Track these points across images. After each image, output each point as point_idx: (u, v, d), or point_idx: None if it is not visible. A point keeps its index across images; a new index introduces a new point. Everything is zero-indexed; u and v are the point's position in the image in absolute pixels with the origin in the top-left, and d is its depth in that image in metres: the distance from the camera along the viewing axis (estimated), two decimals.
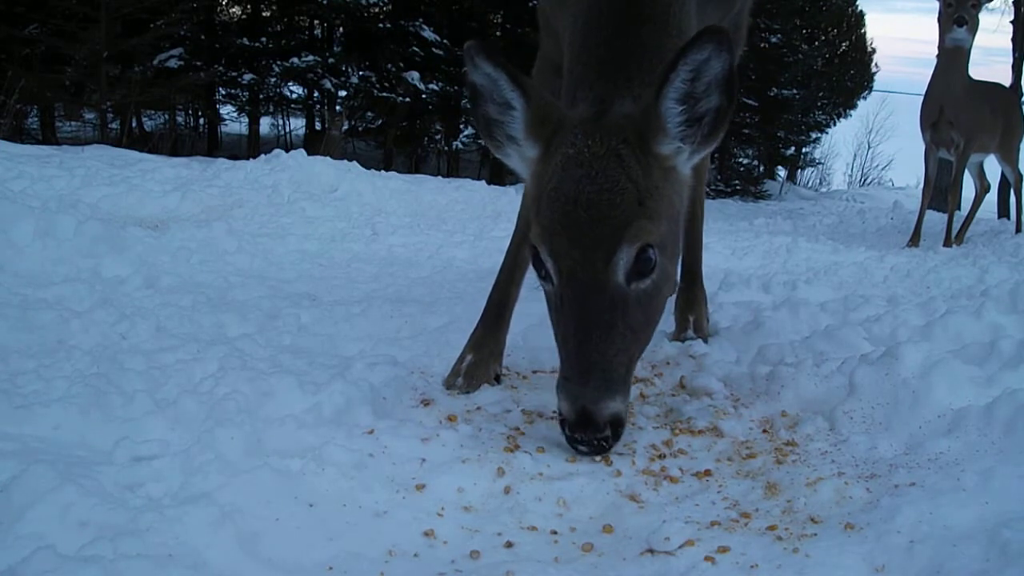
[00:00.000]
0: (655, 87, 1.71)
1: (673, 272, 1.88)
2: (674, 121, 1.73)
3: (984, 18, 6.89)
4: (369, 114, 15.42)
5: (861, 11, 20.29)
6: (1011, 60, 10.80)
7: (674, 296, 3.00)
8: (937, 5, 6.80)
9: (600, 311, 1.71)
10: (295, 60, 13.80)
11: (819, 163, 20.61)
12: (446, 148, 16.03)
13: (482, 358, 2.27)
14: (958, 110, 6.92)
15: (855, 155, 20.80)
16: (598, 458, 1.80)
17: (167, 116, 14.87)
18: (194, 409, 1.88)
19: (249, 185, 5.72)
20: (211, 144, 15.54)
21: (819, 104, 19.03)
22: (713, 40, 1.63)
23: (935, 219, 8.02)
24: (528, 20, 13.99)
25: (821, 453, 1.83)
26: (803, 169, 20.34)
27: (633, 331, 1.76)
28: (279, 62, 13.97)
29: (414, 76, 14.22)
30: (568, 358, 1.75)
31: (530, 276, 2.45)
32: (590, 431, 1.73)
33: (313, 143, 11.40)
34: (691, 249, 2.94)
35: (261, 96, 15.15)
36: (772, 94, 16.07)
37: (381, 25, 14.82)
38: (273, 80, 14.59)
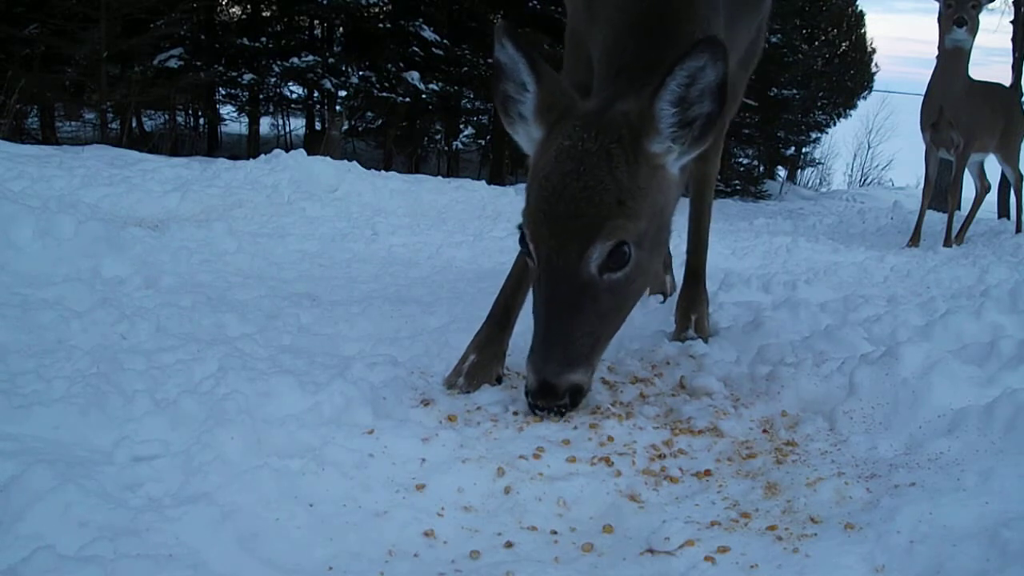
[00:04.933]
0: (652, 89, 1.82)
1: (652, 264, 2.00)
2: (667, 122, 1.85)
3: (984, 18, 6.88)
4: (369, 114, 15.43)
5: (861, 11, 20.34)
6: (1011, 60, 10.79)
7: (674, 296, 3.00)
8: (937, 5, 6.80)
9: (569, 296, 1.85)
10: (295, 60, 13.81)
11: (819, 163, 20.62)
12: (446, 148, 16.04)
13: (485, 359, 2.28)
14: (958, 110, 6.92)
15: (855, 155, 20.82)
16: (596, 460, 1.80)
17: (167, 116, 14.88)
18: (194, 409, 1.88)
19: (249, 185, 5.72)
20: (211, 144, 15.55)
21: (819, 104, 19.04)
22: (708, 50, 1.75)
23: (935, 219, 8.02)
24: (528, 21, 14.00)
25: (821, 453, 1.83)
26: (803, 169, 20.35)
27: (600, 315, 1.90)
28: (279, 62, 13.97)
29: (414, 76, 14.23)
30: (536, 333, 1.92)
31: None
32: (549, 399, 1.92)
33: (313, 143, 11.42)
34: (695, 250, 2.94)
35: (261, 96, 15.15)
36: (772, 94, 16.07)
37: (381, 25, 14.83)
38: (273, 80, 14.59)
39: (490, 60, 15.31)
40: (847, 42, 20.02)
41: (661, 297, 3.42)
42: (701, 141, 1.88)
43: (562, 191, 1.81)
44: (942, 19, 6.72)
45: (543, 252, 1.86)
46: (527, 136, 2.00)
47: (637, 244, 1.86)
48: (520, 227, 1.93)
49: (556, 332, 1.87)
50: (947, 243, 7.03)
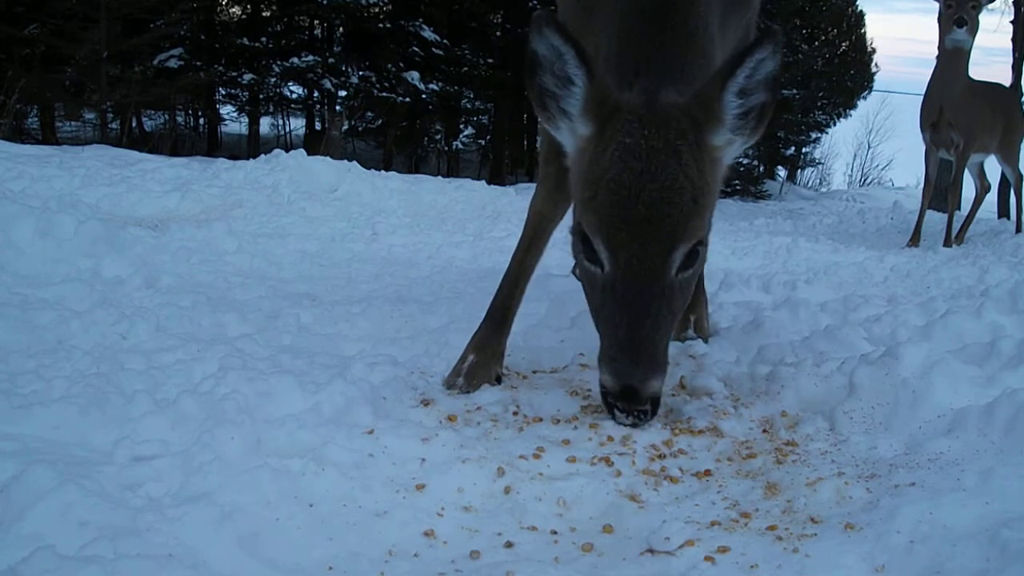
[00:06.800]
0: (719, 80, 1.79)
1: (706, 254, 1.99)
2: (731, 114, 1.82)
3: (984, 18, 6.88)
4: (369, 114, 15.43)
5: (861, 11, 20.32)
6: (1011, 60, 10.78)
7: None
8: (937, 5, 6.80)
9: (652, 299, 1.82)
10: (295, 60, 13.82)
11: (819, 163, 20.62)
12: (446, 148, 16.05)
13: (484, 359, 2.28)
14: (958, 111, 6.91)
15: (855, 155, 20.81)
16: (596, 460, 1.80)
17: (167, 116, 14.89)
18: (194, 409, 1.88)
19: (249, 185, 5.72)
20: (211, 144, 15.56)
21: (819, 104, 19.04)
22: (772, 42, 1.75)
23: (935, 219, 8.02)
24: (528, 21, 13.98)
25: (821, 453, 1.83)
26: (803, 169, 20.35)
27: (673, 313, 1.89)
28: (279, 62, 13.99)
29: (414, 76, 14.24)
30: (618, 340, 1.85)
31: (537, 277, 2.46)
32: (633, 404, 1.88)
33: (313, 143, 11.41)
34: None
35: (261, 96, 15.16)
36: None
37: (381, 25, 14.84)
38: (273, 80, 14.60)
39: (490, 60, 15.23)
40: (847, 42, 20.00)
41: None
42: (757, 131, 1.87)
43: (639, 193, 1.76)
44: (942, 19, 6.72)
45: (622, 257, 1.80)
46: (571, 132, 1.90)
47: (706, 239, 1.88)
48: (580, 231, 1.86)
49: (641, 337, 1.82)
50: (947, 243, 7.03)
